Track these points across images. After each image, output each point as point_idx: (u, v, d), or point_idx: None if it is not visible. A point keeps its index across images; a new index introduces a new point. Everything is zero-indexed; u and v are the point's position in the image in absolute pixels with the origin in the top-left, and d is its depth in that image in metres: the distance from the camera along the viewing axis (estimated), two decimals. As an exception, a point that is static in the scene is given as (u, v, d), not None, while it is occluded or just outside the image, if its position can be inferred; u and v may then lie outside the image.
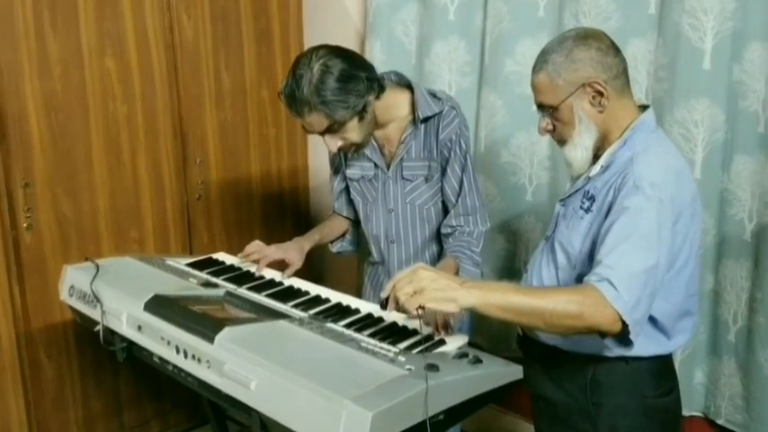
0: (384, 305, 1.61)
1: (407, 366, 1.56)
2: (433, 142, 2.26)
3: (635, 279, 1.58)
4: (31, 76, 2.67)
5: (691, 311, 1.84)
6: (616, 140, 1.79)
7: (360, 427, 1.36)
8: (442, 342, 1.83)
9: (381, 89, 2.18)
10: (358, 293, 2.60)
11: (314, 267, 3.63)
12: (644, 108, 1.85)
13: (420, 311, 1.55)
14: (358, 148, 2.24)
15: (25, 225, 2.74)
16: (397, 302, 1.58)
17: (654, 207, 1.63)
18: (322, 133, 2.14)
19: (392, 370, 1.54)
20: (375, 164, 2.35)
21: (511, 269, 3.04)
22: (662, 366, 1.85)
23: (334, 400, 1.40)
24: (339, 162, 2.48)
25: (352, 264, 3.41)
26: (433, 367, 1.58)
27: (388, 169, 2.33)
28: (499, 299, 1.57)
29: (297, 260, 2.33)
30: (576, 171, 1.86)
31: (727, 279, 2.42)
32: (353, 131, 2.16)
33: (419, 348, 1.77)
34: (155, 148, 3.07)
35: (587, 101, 1.76)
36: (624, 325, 1.58)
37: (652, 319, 1.73)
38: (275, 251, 2.32)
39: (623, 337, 1.61)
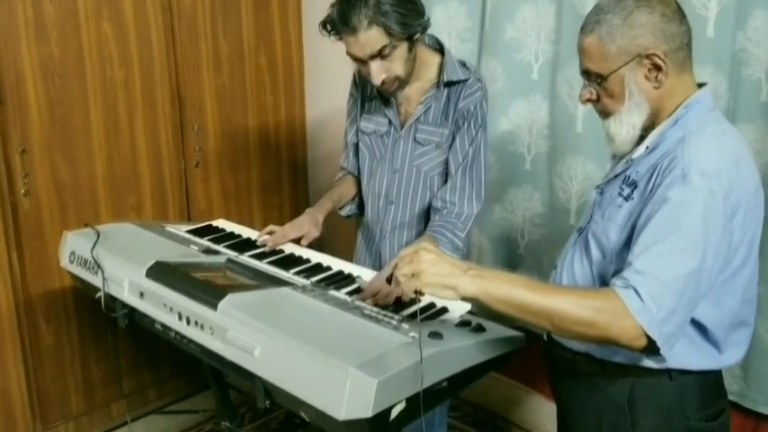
0: (390, 281, 1.56)
1: (411, 334, 1.56)
2: (451, 109, 2.24)
3: (667, 288, 1.40)
4: (27, 40, 2.64)
5: (746, 321, 1.62)
6: (666, 119, 1.57)
7: (365, 393, 1.36)
8: (444, 310, 1.83)
9: (428, 24, 2.17)
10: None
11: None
12: (701, 86, 1.62)
13: (418, 295, 1.48)
14: (399, 85, 2.21)
15: (23, 191, 2.73)
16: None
17: (701, 200, 1.41)
18: (372, 58, 2.10)
19: (396, 337, 1.54)
20: (390, 120, 2.34)
21: (507, 238, 3.04)
22: (711, 384, 1.64)
23: (339, 368, 1.40)
24: (356, 114, 2.46)
25: (349, 226, 3.41)
26: (436, 335, 1.58)
27: (402, 128, 2.32)
28: (504, 292, 1.44)
29: (314, 231, 2.30)
30: (617, 149, 1.65)
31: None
32: (400, 61, 2.13)
33: (422, 316, 1.77)
34: (152, 114, 3.05)
35: (642, 74, 1.53)
36: (651, 340, 1.41)
37: (701, 328, 1.55)
38: (291, 229, 2.28)
39: (653, 351, 1.44)
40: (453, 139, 2.25)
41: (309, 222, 2.29)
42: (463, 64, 2.28)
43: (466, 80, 2.23)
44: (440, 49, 2.30)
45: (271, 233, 2.29)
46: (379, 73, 2.13)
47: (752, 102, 2.31)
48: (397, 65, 2.13)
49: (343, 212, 2.52)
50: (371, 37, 2.06)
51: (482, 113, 2.24)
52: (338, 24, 2.07)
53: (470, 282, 1.45)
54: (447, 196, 2.26)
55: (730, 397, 2.44)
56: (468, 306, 1.86)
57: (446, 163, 2.29)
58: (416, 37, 2.14)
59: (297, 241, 2.28)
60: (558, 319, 1.42)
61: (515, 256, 3.02)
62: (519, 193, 2.95)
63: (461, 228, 2.24)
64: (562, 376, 1.78)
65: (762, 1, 2.25)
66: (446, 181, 2.31)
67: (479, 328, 1.69)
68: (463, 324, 1.71)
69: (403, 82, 2.20)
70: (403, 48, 2.11)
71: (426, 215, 2.34)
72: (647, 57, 1.52)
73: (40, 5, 2.65)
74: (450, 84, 2.24)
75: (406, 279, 1.48)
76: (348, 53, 2.13)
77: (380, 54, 2.09)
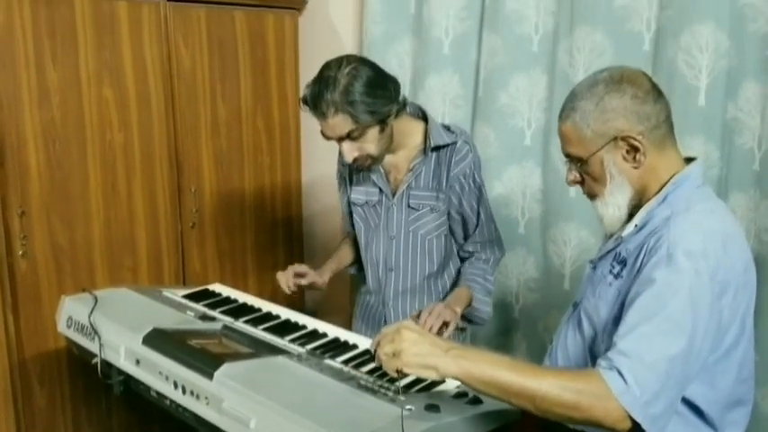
0: (374, 358, 1.57)
1: (408, 406, 1.56)
2: (443, 174, 2.28)
3: (652, 370, 1.39)
4: (30, 104, 2.68)
5: (743, 400, 1.61)
6: (654, 196, 1.59)
7: (361, 469, 1.36)
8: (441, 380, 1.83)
9: (404, 105, 2.21)
10: (349, 321, 2.61)
11: (305, 292, 3.64)
12: (690, 160, 1.64)
13: (399, 375, 1.49)
14: (373, 162, 2.24)
15: (21, 252, 2.73)
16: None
17: (686, 281, 1.42)
18: (341, 139, 2.15)
19: (392, 410, 1.54)
20: (380, 189, 2.37)
21: (502, 302, 3.05)
22: None
23: (335, 443, 1.41)
24: (345, 187, 2.50)
25: (343, 290, 3.42)
26: (432, 408, 1.58)
27: (393, 196, 2.34)
28: (485, 372, 1.44)
29: (319, 280, 2.39)
30: (607, 229, 1.69)
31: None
32: (372, 142, 2.16)
33: (418, 386, 1.78)
34: (150, 177, 3.08)
35: (620, 156, 1.56)
36: (636, 422, 1.39)
37: (695, 409, 1.54)
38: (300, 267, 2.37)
39: None
40: (459, 204, 2.31)
41: (315, 274, 2.38)
42: (447, 128, 2.32)
43: (454, 143, 2.27)
44: (422, 115, 2.34)
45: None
46: (350, 152, 2.17)
47: (744, 171, 2.35)
48: (368, 145, 2.17)
49: (352, 270, 2.63)
50: (338, 123, 2.10)
51: (478, 173, 2.31)
52: (309, 106, 2.12)
53: (452, 362, 1.46)
54: (470, 248, 2.38)
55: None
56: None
57: (441, 227, 2.34)
58: (389, 119, 2.16)
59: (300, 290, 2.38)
60: (540, 401, 1.41)
61: (510, 319, 3.03)
62: (513, 257, 2.97)
63: (491, 271, 2.38)
64: None
65: (752, 72, 2.31)
66: (444, 244, 2.37)
67: (476, 400, 1.68)
68: (460, 396, 1.71)
69: (376, 159, 2.24)
70: (374, 130, 2.14)
71: (428, 279, 2.38)
72: (623, 139, 1.54)
73: (43, 71, 2.69)
74: (437, 148, 2.27)
75: (388, 358, 1.49)
76: (321, 132, 2.17)
77: (349, 137, 2.13)
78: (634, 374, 1.38)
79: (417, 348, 1.46)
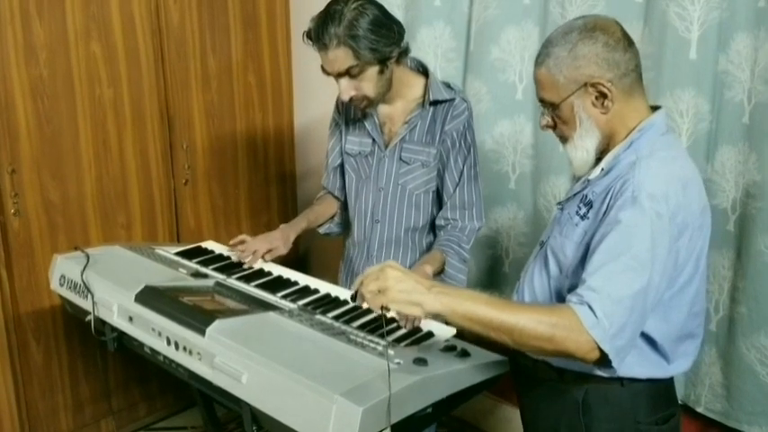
0: (354, 298, 1.60)
1: (396, 360, 1.59)
2: (437, 129, 2.28)
3: (619, 305, 1.49)
4: (17, 61, 2.66)
5: (694, 333, 1.72)
6: (621, 142, 1.65)
7: (350, 421, 1.38)
8: (430, 334, 1.86)
9: (406, 51, 2.22)
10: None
11: (299, 248, 3.66)
12: (656, 109, 1.71)
13: (384, 311, 1.52)
14: (368, 104, 2.25)
15: (12, 211, 2.74)
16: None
17: (648, 222, 1.51)
18: (340, 75, 2.15)
19: (381, 364, 1.56)
20: (374, 140, 2.37)
21: (492, 256, 3.07)
22: (661, 391, 1.73)
23: (325, 395, 1.42)
24: (338, 136, 2.49)
25: (337, 246, 3.43)
26: (421, 361, 1.61)
27: (386, 148, 2.35)
28: (467, 309, 1.50)
29: (281, 248, 2.36)
30: (576, 171, 1.75)
31: (709, 269, 2.40)
32: (370, 82, 2.17)
33: (407, 341, 1.80)
34: (141, 133, 3.07)
35: (590, 101, 1.62)
36: (603, 353, 1.48)
37: (650, 341, 1.64)
38: (262, 242, 2.34)
39: (605, 363, 1.51)
40: (446, 159, 2.29)
41: (280, 238, 2.36)
42: (447, 85, 2.32)
43: (452, 100, 2.26)
44: (424, 71, 2.33)
45: (242, 242, 2.36)
46: (347, 90, 2.18)
47: (734, 124, 2.34)
48: (366, 85, 2.17)
49: (321, 230, 2.59)
50: (339, 56, 2.10)
51: (471, 133, 2.29)
52: (312, 38, 2.13)
53: (434, 299, 1.51)
54: (448, 215, 2.32)
55: (712, 416, 2.49)
56: (453, 330, 1.89)
57: (430, 183, 2.33)
58: (390, 61, 2.17)
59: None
60: (518, 335, 1.48)
61: (500, 274, 3.05)
62: (503, 212, 2.98)
63: (466, 240, 2.32)
64: (524, 381, 1.87)
65: (744, 24, 2.28)
66: (433, 201, 2.36)
67: (464, 353, 1.72)
68: (448, 349, 1.74)
69: (372, 102, 2.24)
70: (373, 70, 2.15)
71: (412, 233, 2.38)
72: (593, 85, 1.60)
73: (29, 28, 2.67)
74: (435, 103, 2.27)
75: (372, 295, 1.53)
76: (321, 67, 2.17)
77: (348, 73, 2.14)
78: (603, 309, 1.47)
79: (402, 285, 1.51)
